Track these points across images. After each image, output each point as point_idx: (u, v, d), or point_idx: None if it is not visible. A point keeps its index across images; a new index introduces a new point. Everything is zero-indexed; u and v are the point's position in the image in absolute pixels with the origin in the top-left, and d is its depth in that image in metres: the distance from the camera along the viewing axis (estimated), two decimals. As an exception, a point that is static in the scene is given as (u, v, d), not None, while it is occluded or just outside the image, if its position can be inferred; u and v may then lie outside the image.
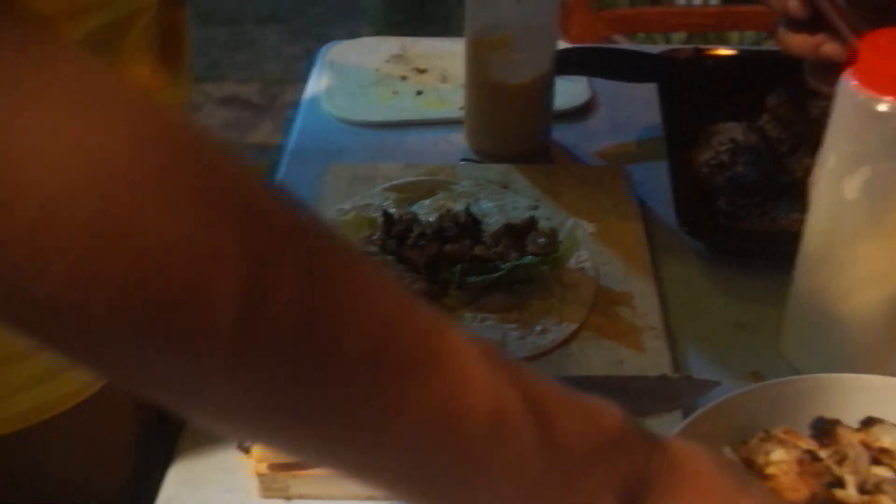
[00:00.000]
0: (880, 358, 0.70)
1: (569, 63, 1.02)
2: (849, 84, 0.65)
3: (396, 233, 0.81)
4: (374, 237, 0.81)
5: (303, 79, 1.18)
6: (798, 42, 0.75)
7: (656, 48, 1.11)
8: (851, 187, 0.66)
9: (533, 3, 0.92)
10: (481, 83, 0.96)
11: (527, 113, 0.98)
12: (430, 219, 0.84)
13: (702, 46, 1.08)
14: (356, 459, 0.42)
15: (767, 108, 0.98)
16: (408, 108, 1.08)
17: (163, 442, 0.71)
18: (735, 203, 0.88)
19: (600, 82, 1.10)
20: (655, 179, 0.95)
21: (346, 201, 0.89)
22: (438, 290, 0.78)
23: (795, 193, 0.88)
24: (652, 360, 0.75)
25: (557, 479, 0.43)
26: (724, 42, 1.89)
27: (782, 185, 0.90)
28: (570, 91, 1.07)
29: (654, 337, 0.77)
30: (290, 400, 0.38)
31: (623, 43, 1.66)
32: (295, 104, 1.22)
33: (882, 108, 0.63)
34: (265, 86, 3.07)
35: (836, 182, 0.67)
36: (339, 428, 0.39)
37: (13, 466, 0.65)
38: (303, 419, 0.39)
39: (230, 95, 3.14)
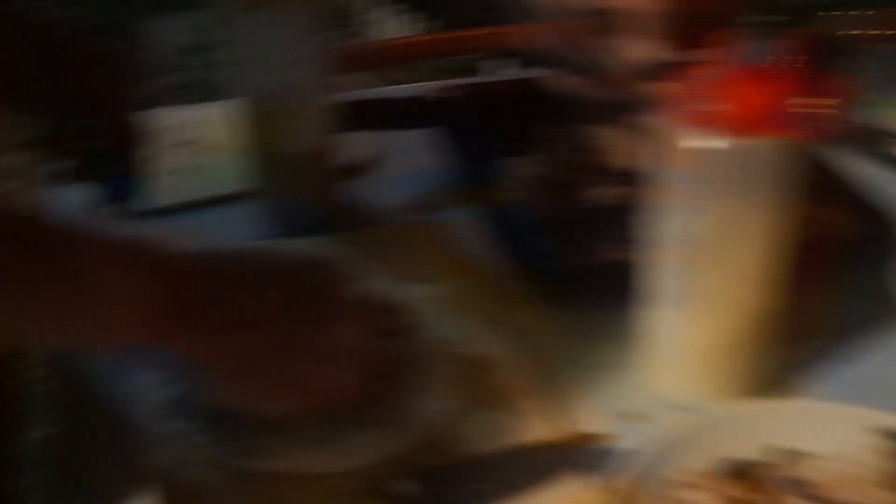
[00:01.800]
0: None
1: (347, 118, 1.01)
2: (685, 124, 0.68)
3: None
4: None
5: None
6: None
7: (420, 88, 1.12)
8: (696, 223, 0.70)
9: (299, 67, 0.90)
10: (261, 154, 0.93)
11: (308, 182, 0.95)
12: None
13: (473, 80, 1.10)
14: None
15: (545, 138, 1.01)
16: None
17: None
18: (553, 241, 0.91)
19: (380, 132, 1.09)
20: (472, 227, 0.96)
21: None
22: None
23: (601, 222, 0.92)
24: (534, 421, 0.74)
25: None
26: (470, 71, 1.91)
27: (586, 215, 0.93)
28: (350, 148, 1.06)
29: (530, 397, 0.77)
30: None
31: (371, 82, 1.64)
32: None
33: (721, 146, 0.66)
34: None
35: (681, 219, 0.71)
36: None
37: None
38: None
39: None
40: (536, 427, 0.74)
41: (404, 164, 1.08)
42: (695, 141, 0.67)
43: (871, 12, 1.13)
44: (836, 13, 1.14)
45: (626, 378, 0.80)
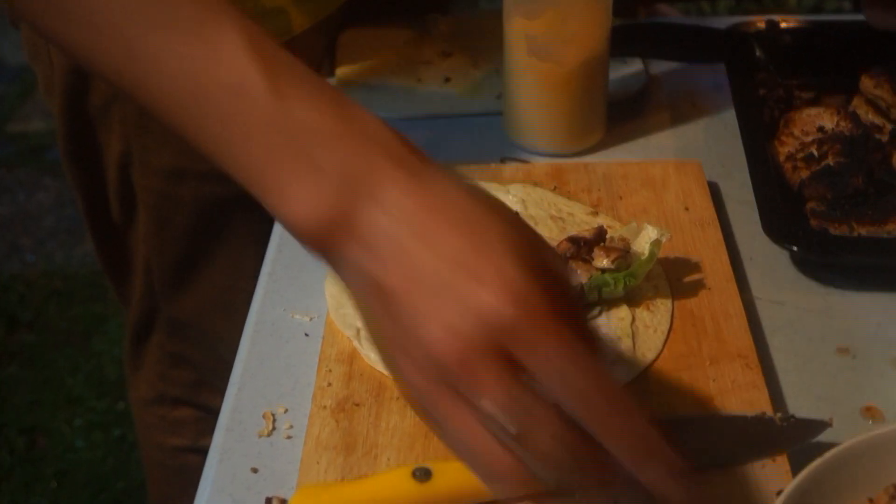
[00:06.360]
0: None
1: (622, 42, 0.97)
2: None
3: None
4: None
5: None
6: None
7: (721, 21, 1.05)
8: None
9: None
10: (524, 68, 0.91)
11: (579, 102, 0.92)
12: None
13: (776, 17, 1.02)
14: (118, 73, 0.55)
15: (860, 89, 0.92)
16: (435, 98, 1.02)
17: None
18: (829, 203, 0.82)
19: (657, 63, 1.04)
20: (732, 176, 0.90)
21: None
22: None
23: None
24: (746, 395, 0.69)
25: (287, 150, 0.52)
26: (780, 5, 1.82)
27: (884, 181, 0.84)
28: (622, 74, 1.02)
29: (746, 367, 0.71)
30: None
31: (669, 13, 1.60)
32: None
33: None
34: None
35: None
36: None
37: None
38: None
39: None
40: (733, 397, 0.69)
41: (682, 98, 1.02)
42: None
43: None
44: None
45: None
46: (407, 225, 0.50)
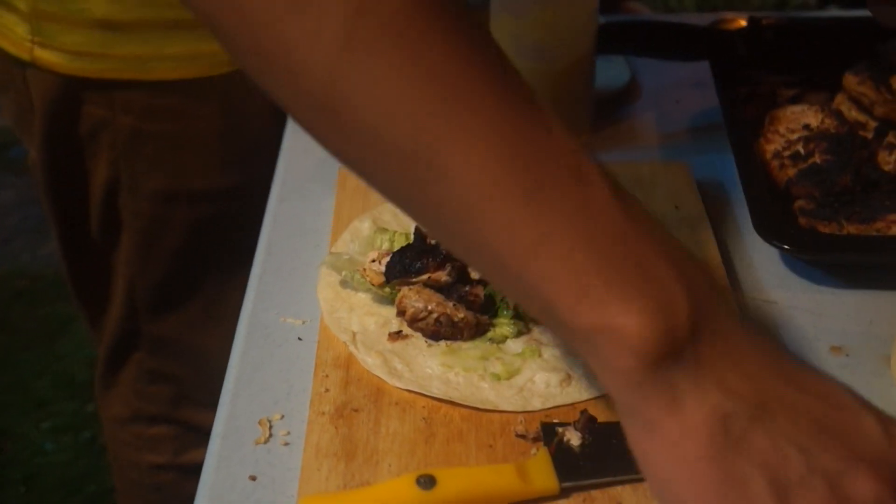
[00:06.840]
0: None
1: (604, 40, 0.97)
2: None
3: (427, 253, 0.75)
4: (406, 257, 0.75)
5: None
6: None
7: (704, 18, 1.05)
8: None
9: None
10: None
11: (565, 101, 0.92)
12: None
13: (758, 15, 1.03)
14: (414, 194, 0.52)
15: (843, 86, 0.93)
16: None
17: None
18: (817, 202, 0.83)
19: (640, 62, 1.05)
20: (718, 174, 0.90)
21: (362, 215, 0.83)
22: (487, 322, 0.73)
23: (889, 189, 0.84)
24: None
25: (627, 262, 0.50)
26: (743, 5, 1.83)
27: (871, 179, 0.85)
28: (606, 73, 1.02)
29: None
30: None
31: (639, 10, 1.61)
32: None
33: None
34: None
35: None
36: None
37: None
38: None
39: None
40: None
41: (665, 96, 1.02)
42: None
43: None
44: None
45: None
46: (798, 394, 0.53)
